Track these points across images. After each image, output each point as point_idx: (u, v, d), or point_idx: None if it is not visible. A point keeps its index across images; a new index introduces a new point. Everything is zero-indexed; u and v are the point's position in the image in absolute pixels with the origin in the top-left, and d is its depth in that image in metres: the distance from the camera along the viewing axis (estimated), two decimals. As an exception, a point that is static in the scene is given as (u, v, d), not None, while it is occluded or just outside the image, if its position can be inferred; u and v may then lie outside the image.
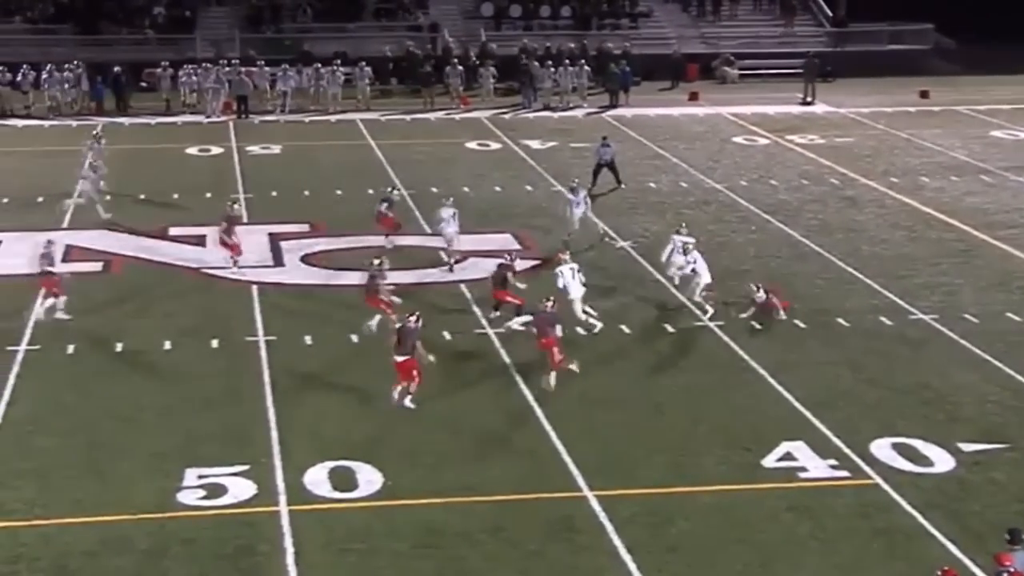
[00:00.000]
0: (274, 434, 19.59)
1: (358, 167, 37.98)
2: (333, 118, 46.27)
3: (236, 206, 29.24)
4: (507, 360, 22.65)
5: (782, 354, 23.11)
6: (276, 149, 40.74)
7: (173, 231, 30.65)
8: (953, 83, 53.30)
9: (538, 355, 22.18)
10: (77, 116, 45.90)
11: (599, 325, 23.86)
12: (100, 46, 52.13)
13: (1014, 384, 21.82)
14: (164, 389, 21.43)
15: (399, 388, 20.50)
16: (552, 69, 49.54)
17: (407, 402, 20.41)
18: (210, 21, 55.71)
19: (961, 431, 19.91)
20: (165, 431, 19.69)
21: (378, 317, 23.43)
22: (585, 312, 23.78)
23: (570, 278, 23.65)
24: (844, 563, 16.19)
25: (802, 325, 24.42)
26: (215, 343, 23.42)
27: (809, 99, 50.14)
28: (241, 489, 17.80)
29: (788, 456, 19.01)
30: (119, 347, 23.25)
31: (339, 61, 49.00)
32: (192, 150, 40.55)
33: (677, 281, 25.96)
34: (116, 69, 47.20)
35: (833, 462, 18.82)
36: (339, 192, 34.76)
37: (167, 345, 23.34)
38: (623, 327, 24.35)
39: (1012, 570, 14.00)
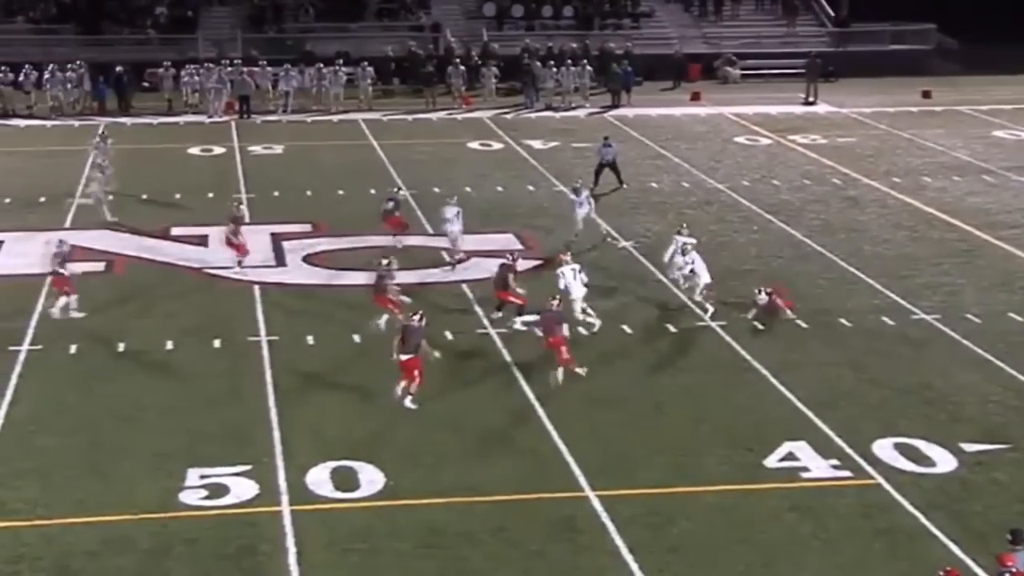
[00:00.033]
0: (276, 434, 19.60)
1: (360, 167, 37.99)
2: (335, 118, 46.28)
3: (241, 207, 29.22)
4: (509, 360, 22.64)
5: (784, 354, 23.11)
6: (278, 149, 40.76)
7: (175, 231, 30.66)
8: (955, 83, 53.27)
9: (539, 355, 22.24)
10: (79, 116, 45.91)
11: (598, 323, 23.85)
12: (102, 46, 52.15)
13: (1016, 384, 21.82)
14: (166, 389, 21.44)
15: (401, 386, 20.54)
16: (554, 69, 49.55)
17: (408, 402, 20.43)
18: (212, 21, 55.74)
19: (963, 431, 19.91)
20: (167, 431, 19.70)
21: (385, 316, 23.46)
22: (584, 312, 23.78)
23: (571, 279, 23.66)
24: (846, 563, 16.19)
25: (804, 325, 24.42)
26: (217, 343, 23.43)
27: (811, 99, 50.12)
28: (243, 489, 17.80)
29: (790, 456, 19.00)
30: (121, 347, 23.26)
31: (341, 61, 49.03)
32: (194, 150, 40.56)
33: (682, 282, 25.92)
34: (118, 69, 47.21)
35: (835, 462, 18.82)
36: (341, 192, 34.77)
37: (169, 345, 23.35)
38: (625, 327, 24.35)
39: (1014, 570, 14.01)
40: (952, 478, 18.45)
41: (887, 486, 18.12)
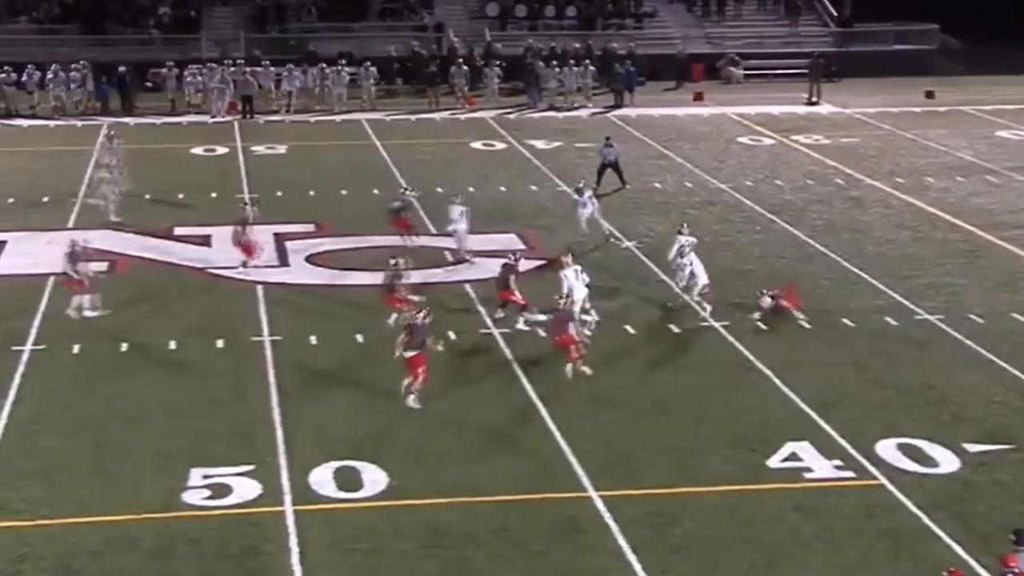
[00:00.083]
0: (279, 434, 19.61)
1: (363, 167, 38.00)
2: (338, 118, 46.29)
3: (249, 207, 29.19)
4: (511, 360, 22.65)
5: (787, 354, 23.11)
6: (281, 149, 40.77)
7: (178, 231, 30.68)
8: (958, 83, 53.24)
9: (542, 355, 22.28)
10: (82, 116, 45.94)
11: (596, 317, 23.79)
12: (105, 46, 52.13)
13: (1019, 385, 21.80)
14: (169, 389, 21.45)
15: (407, 381, 20.58)
16: (557, 69, 49.57)
17: (411, 401, 20.44)
18: (215, 21, 55.75)
19: (966, 432, 19.90)
20: (170, 431, 19.71)
21: (395, 316, 23.50)
22: (584, 311, 23.78)
23: (574, 279, 23.67)
24: (849, 563, 16.18)
25: (807, 325, 24.40)
26: (220, 343, 23.44)
27: (814, 99, 50.12)
28: (246, 489, 17.80)
29: (793, 456, 19.00)
30: (124, 347, 23.28)
31: (344, 61, 49.05)
32: (197, 150, 40.58)
33: (680, 283, 25.90)
34: (121, 69, 47.21)
35: (838, 462, 18.81)
36: (344, 192, 34.79)
37: (172, 345, 23.36)
38: (628, 327, 24.35)
39: (1017, 571, 14.00)
40: (955, 479, 18.44)
41: (890, 486, 18.12)
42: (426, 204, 32.13)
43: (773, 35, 58.51)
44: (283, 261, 28.55)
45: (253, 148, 40.66)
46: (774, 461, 18.86)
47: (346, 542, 16.53)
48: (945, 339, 24.01)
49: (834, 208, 33.60)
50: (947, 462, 18.88)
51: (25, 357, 22.72)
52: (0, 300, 25.78)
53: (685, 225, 27.26)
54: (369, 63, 48.88)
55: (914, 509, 17.48)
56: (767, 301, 24.56)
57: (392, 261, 24.50)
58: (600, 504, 17.52)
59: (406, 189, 30.86)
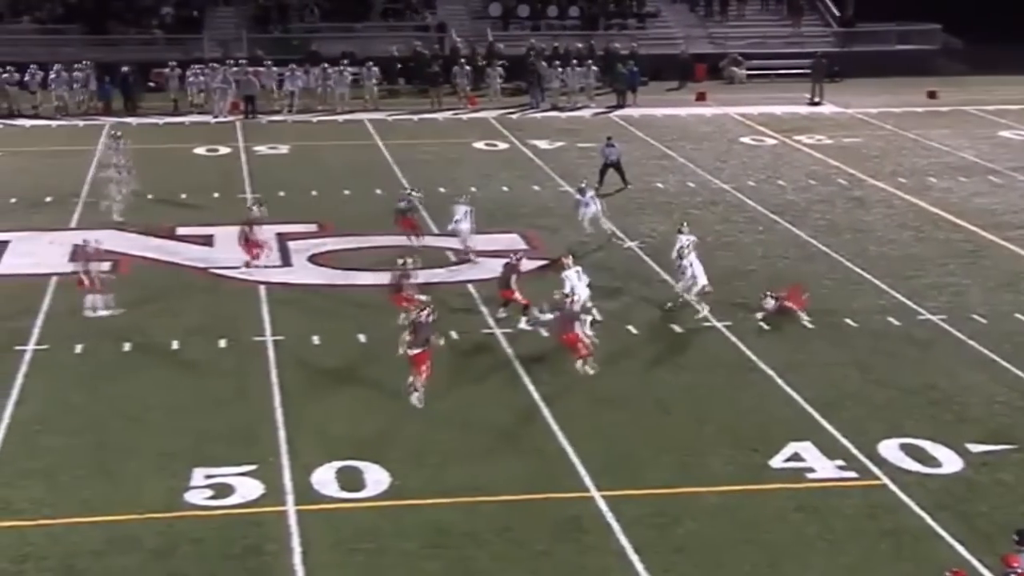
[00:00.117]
0: (281, 434, 19.61)
1: (365, 167, 38.00)
2: (340, 118, 46.30)
3: (255, 208, 29.18)
4: (514, 360, 22.65)
5: (789, 354, 23.10)
6: (284, 149, 40.78)
7: (181, 231, 30.68)
8: (961, 83, 53.23)
9: (544, 355, 22.30)
10: (84, 116, 45.96)
11: (599, 317, 23.78)
12: (108, 46, 52.15)
13: (1022, 385, 21.79)
14: (172, 389, 21.45)
15: (411, 379, 20.61)
16: (559, 69, 49.55)
17: (414, 399, 20.45)
18: (218, 21, 55.76)
19: (969, 432, 19.89)
20: (173, 431, 19.71)
21: (403, 315, 23.51)
22: (585, 310, 23.77)
23: (576, 280, 23.67)
24: (852, 564, 16.18)
25: (810, 325, 24.39)
26: (223, 343, 23.45)
27: (817, 99, 50.12)
28: (249, 489, 17.81)
29: (795, 457, 19.00)
30: (127, 347, 23.28)
31: (346, 61, 49.07)
32: (200, 150, 40.59)
33: (680, 285, 25.85)
34: (124, 69, 47.25)
35: (841, 463, 18.80)
36: (347, 192, 34.79)
37: (175, 345, 23.37)
38: (630, 327, 24.35)
39: (1020, 571, 14.01)
40: (958, 479, 18.44)
41: (893, 487, 18.11)
42: (428, 204, 32.13)
43: (776, 35, 58.49)
44: (286, 261, 28.55)
45: (255, 148, 40.67)
46: (776, 461, 18.85)
47: (348, 542, 16.53)
48: (948, 339, 24.00)
49: (836, 208, 33.59)
50: (950, 462, 18.88)
51: (28, 357, 22.72)
52: (3, 300, 25.80)
53: (685, 224, 27.25)
54: (371, 63, 48.87)
55: (917, 509, 17.47)
56: (771, 303, 24.54)
57: (400, 261, 24.56)
58: (602, 504, 17.52)
59: (411, 190, 30.83)
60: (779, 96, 50.64)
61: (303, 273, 27.79)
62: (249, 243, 27.57)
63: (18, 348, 23.05)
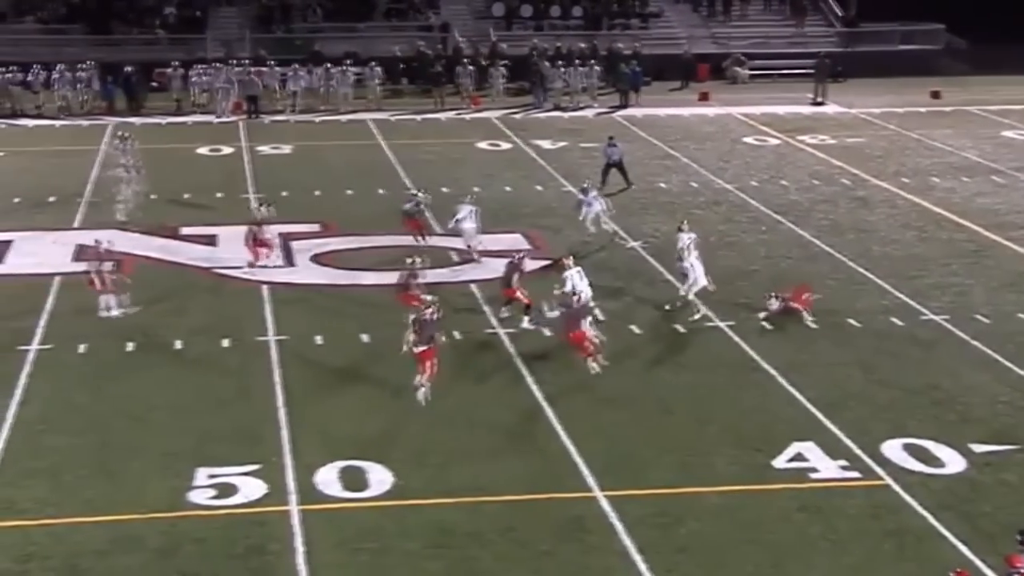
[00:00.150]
0: (285, 433, 19.62)
1: (368, 167, 38.01)
2: (343, 118, 46.31)
3: (262, 208, 29.17)
4: (516, 359, 22.65)
5: (793, 354, 23.09)
6: (287, 149, 40.79)
7: (184, 231, 30.70)
8: (964, 83, 53.19)
9: (546, 355, 22.31)
10: (87, 116, 45.99)
11: (601, 317, 23.77)
12: (111, 46, 52.19)
13: (1025, 385, 21.82)
14: (175, 389, 21.46)
15: (418, 378, 20.63)
16: (562, 69, 49.55)
17: (421, 396, 20.48)
18: (221, 21, 55.78)
19: (972, 432, 19.88)
20: (176, 431, 19.72)
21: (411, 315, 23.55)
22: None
23: (578, 280, 23.66)
24: (855, 564, 16.18)
25: (813, 325, 24.38)
26: (226, 343, 23.46)
27: (820, 99, 50.08)
28: (252, 489, 17.82)
29: (799, 457, 18.99)
30: (130, 346, 23.30)
31: (350, 61, 49.06)
32: (203, 150, 40.61)
33: (682, 285, 25.80)
34: (127, 69, 47.29)
35: (844, 463, 18.80)
36: (350, 192, 34.80)
37: (178, 344, 23.38)
38: (633, 327, 24.34)
39: (1023, 571, 13.98)
40: (961, 479, 18.43)
41: (896, 487, 18.11)
42: (432, 204, 32.12)
43: (779, 35, 58.46)
44: (289, 261, 28.56)
45: (258, 148, 40.67)
46: (780, 461, 18.85)
47: (352, 542, 16.54)
48: (951, 339, 23.99)
49: (840, 208, 33.58)
50: (953, 462, 18.87)
51: (31, 357, 22.74)
52: (6, 300, 25.82)
53: (685, 222, 27.03)
54: (374, 63, 48.92)
55: (920, 509, 17.47)
56: (775, 304, 24.53)
57: (409, 260, 24.60)
58: (606, 504, 17.52)
59: (418, 191, 30.78)
60: (782, 96, 50.62)
61: (306, 273, 27.80)
62: (257, 242, 27.57)
63: (22, 348, 23.07)
